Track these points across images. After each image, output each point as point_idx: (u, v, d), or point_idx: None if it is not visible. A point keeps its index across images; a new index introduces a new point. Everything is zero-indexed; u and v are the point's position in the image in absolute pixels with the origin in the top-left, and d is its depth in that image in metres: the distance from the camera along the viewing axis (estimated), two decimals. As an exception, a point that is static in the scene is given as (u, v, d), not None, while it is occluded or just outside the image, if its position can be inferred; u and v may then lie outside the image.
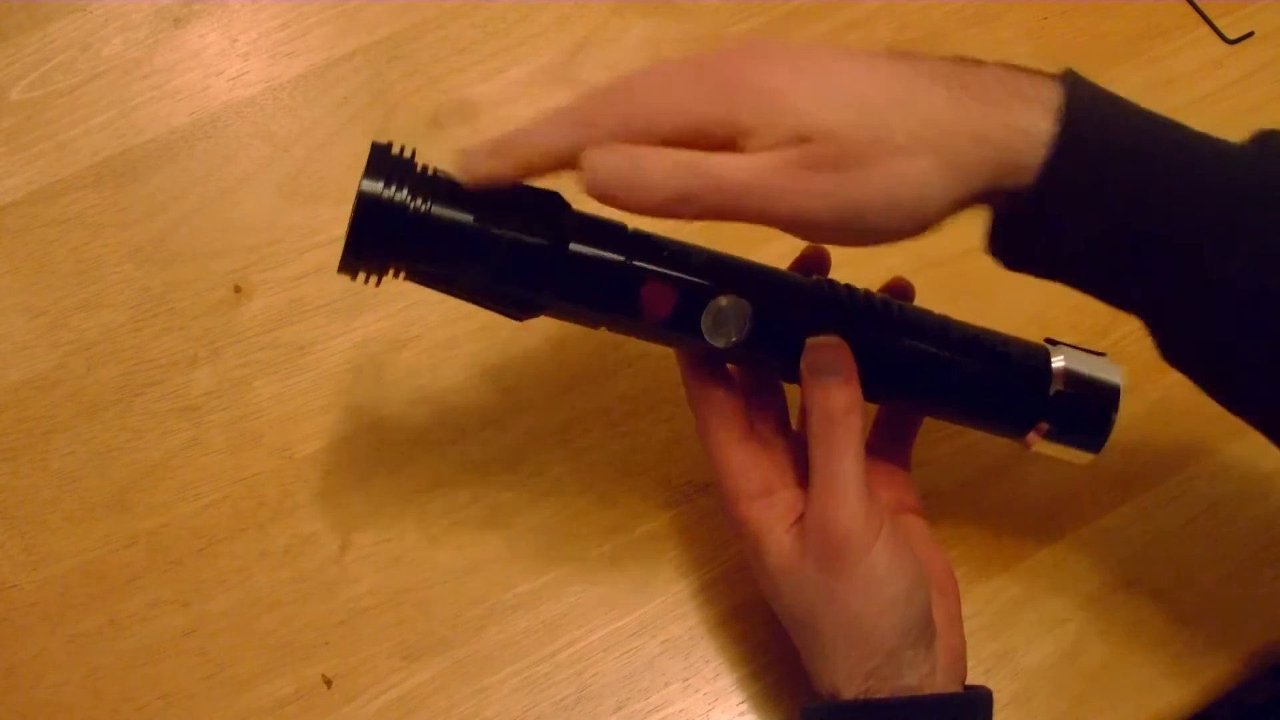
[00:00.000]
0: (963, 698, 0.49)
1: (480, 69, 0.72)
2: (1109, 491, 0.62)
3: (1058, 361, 0.52)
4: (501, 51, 0.72)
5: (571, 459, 0.62)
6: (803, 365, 0.49)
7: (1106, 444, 0.52)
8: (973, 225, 0.68)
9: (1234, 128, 0.70)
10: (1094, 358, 0.54)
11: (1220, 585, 0.59)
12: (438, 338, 0.64)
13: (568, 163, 0.46)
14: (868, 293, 0.53)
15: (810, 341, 0.49)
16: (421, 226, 0.47)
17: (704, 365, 0.51)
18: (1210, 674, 0.57)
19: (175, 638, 0.58)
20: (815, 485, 0.48)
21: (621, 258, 0.49)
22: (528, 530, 0.60)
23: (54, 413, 0.62)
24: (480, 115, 0.71)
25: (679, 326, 0.49)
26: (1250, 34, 0.73)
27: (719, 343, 0.49)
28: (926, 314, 0.53)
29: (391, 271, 0.49)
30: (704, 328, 0.49)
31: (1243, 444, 0.63)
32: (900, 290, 0.55)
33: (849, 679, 0.47)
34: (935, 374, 0.52)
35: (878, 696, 0.47)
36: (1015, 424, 0.53)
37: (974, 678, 0.57)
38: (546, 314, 0.51)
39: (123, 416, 0.62)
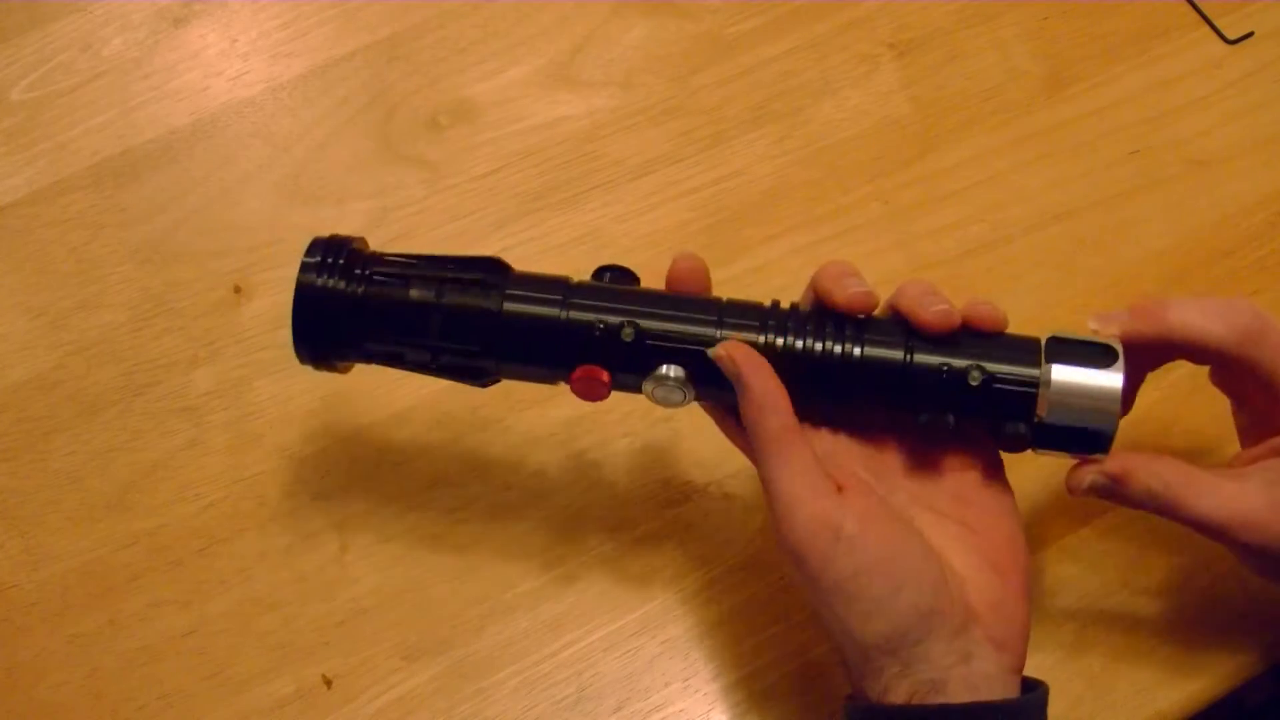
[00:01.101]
0: (1001, 708, 0.46)
1: (480, 69, 0.72)
2: (1109, 491, 0.61)
3: (1045, 390, 0.48)
4: (501, 51, 0.72)
5: (572, 459, 0.62)
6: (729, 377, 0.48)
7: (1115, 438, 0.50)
8: (973, 226, 0.69)
9: (1234, 128, 0.71)
10: (1090, 371, 0.48)
11: (1220, 585, 0.59)
12: (438, 338, 0.64)
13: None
14: (828, 311, 0.50)
15: (712, 354, 0.48)
16: (358, 308, 0.50)
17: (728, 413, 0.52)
18: (1209, 674, 0.57)
19: (175, 638, 0.58)
20: (765, 499, 0.48)
21: (554, 337, 0.49)
22: (528, 530, 0.60)
23: (54, 413, 0.62)
24: (480, 115, 0.71)
25: (627, 390, 0.50)
26: (1250, 34, 0.73)
27: (671, 407, 0.50)
28: (894, 326, 0.49)
29: (352, 359, 0.52)
30: (651, 398, 0.49)
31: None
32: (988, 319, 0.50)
33: (866, 680, 0.46)
34: (903, 391, 0.49)
35: (898, 701, 0.45)
36: (1001, 442, 0.50)
37: (974, 678, 0.57)
38: (505, 377, 0.52)
39: (123, 416, 0.62)
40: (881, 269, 0.66)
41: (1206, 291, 0.66)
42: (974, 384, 0.48)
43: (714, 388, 0.49)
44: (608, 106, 0.71)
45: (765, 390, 0.47)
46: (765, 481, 0.47)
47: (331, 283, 0.50)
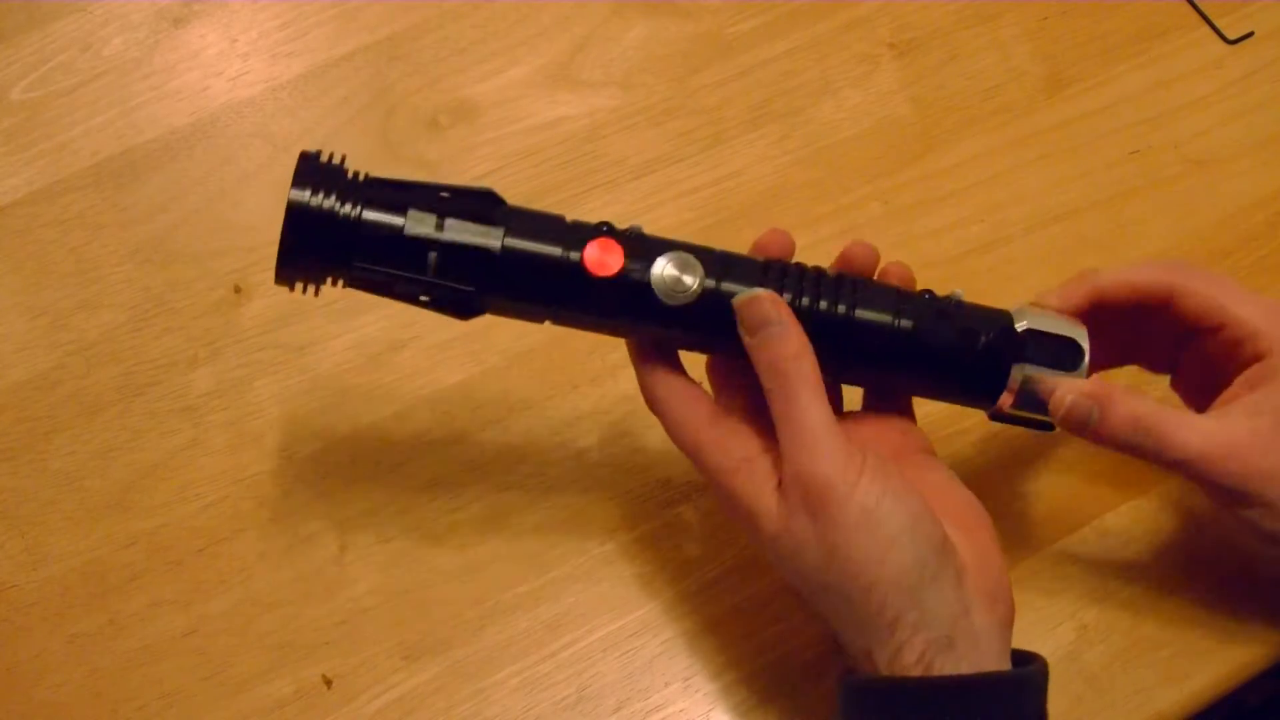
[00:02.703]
0: (1011, 678, 0.47)
1: (480, 69, 0.72)
2: (1109, 491, 0.62)
3: (1021, 324, 0.51)
4: (501, 51, 0.72)
5: (571, 459, 0.62)
6: (740, 326, 0.49)
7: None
8: (973, 226, 0.69)
9: (1234, 128, 0.71)
10: (1059, 318, 0.52)
11: (1220, 585, 0.59)
12: (437, 338, 0.64)
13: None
14: (818, 267, 0.51)
15: (737, 300, 0.49)
16: (353, 232, 0.48)
17: (658, 356, 0.51)
18: (1209, 674, 0.57)
19: (175, 638, 0.58)
20: (783, 439, 0.47)
21: (562, 236, 0.49)
22: (528, 530, 0.60)
23: (54, 413, 0.62)
24: (480, 115, 0.71)
25: (629, 289, 0.49)
26: (1250, 34, 0.73)
27: (674, 300, 0.49)
28: (884, 286, 0.52)
29: (330, 280, 0.50)
30: (655, 286, 0.49)
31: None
32: (899, 275, 0.54)
33: (878, 637, 0.46)
34: (895, 346, 0.51)
35: (911, 661, 0.45)
36: (982, 391, 0.52)
37: (974, 678, 0.57)
38: (492, 310, 0.50)
39: (123, 416, 0.62)
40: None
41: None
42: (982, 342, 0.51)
43: (718, 305, 0.49)
44: (608, 106, 0.71)
45: (802, 333, 0.48)
46: (792, 418, 0.47)
47: (326, 202, 0.48)
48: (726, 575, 0.59)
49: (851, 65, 0.72)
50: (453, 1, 0.74)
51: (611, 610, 0.59)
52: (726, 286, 0.49)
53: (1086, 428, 0.50)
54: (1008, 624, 0.48)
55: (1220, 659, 0.58)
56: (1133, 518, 0.61)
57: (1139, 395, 0.50)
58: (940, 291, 0.52)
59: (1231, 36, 0.73)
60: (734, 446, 0.49)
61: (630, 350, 0.52)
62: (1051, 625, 0.58)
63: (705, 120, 0.71)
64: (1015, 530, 0.61)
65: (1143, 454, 0.50)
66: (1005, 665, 0.47)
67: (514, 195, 0.68)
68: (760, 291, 0.49)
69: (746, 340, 0.49)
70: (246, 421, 0.62)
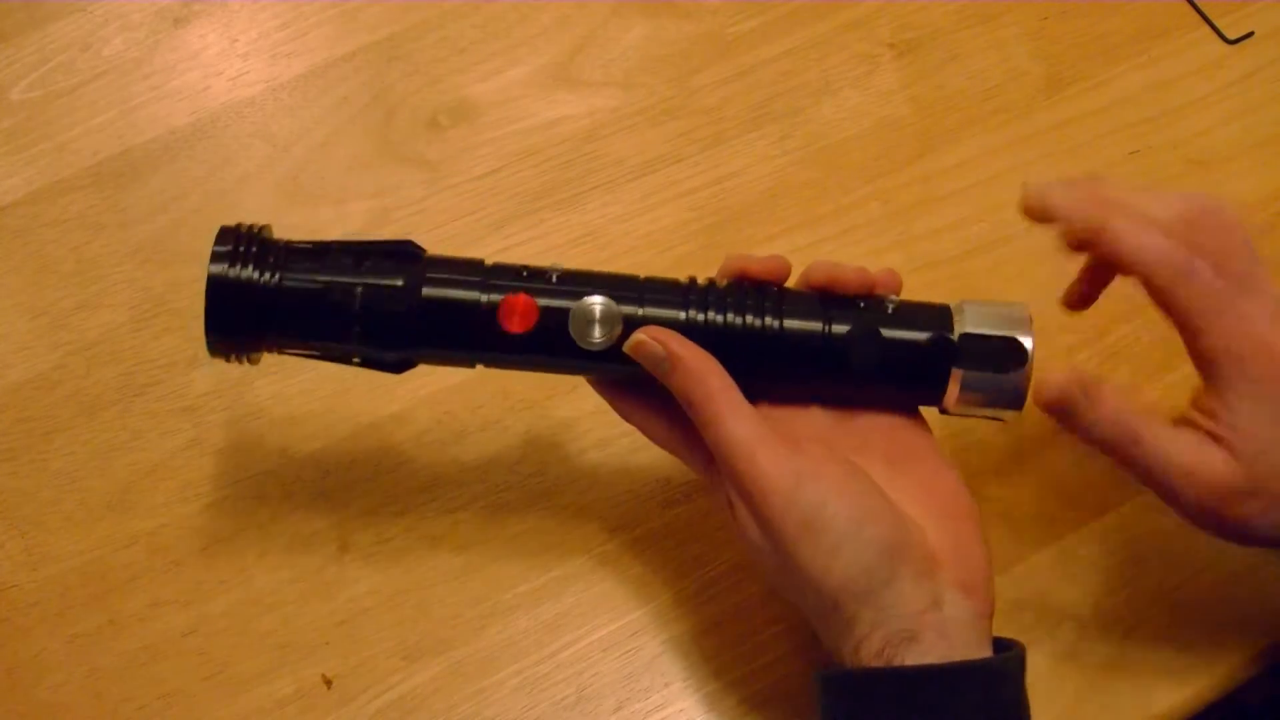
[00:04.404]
0: (980, 666, 0.46)
1: (480, 69, 0.72)
2: (1109, 491, 0.62)
3: (960, 325, 0.50)
4: (501, 51, 0.72)
5: (571, 459, 0.62)
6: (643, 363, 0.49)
7: (1028, 396, 0.50)
8: (973, 225, 0.69)
9: (1234, 128, 0.71)
10: (1001, 309, 0.51)
11: (1220, 585, 0.59)
12: (438, 338, 0.64)
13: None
14: (744, 282, 0.51)
15: (626, 347, 0.49)
16: (274, 303, 0.49)
17: (610, 382, 0.52)
18: (1210, 674, 0.57)
19: (175, 638, 0.58)
20: (717, 461, 0.48)
21: (478, 288, 0.49)
22: (528, 530, 0.60)
23: (54, 413, 0.62)
24: (480, 115, 0.71)
25: (548, 339, 0.49)
26: (1250, 34, 0.73)
27: (592, 345, 0.49)
28: (812, 295, 0.51)
29: (264, 349, 0.51)
30: (573, 332, 0.49)
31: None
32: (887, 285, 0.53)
33: (840, 634, 0.46)
34: (828, 355, 0.50)
35: (871, 656, 0.45)
36: (925, 392, 0.51)
37: (974, 678, 0.57)
38: (422, 361, 0.51)
39: (123, 416, 0.62)
40: (881, 266, 0.66)
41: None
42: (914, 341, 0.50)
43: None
44: (608, 106, 0.71)
45: (698, 356, 0.48)
46: (718, 439, 0.47)
47: (245, 273, 0.49)
48: (726, 575, 0.59)
49: (851, 65, 0.72)
50: (453, 1, 0.74)
51: (611, 610, 0.59)
52: (649, 316, 0.49)
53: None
54: (986, 614, 0.48)
55: (1220, 659, 0.58)
56: (1132, 518, 0.61)
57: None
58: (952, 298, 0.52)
59: (1231, 36, 0.73)
60: (695, 461, 0.51)
61: (592, 383, 0.53)
62: (1051, 625, 0.58)
63: (705, 120, 0.71)
64: (1015, 530, 0.61)
65: (1116, 453, 0.49)
66: (982, 654, 0.46)
67: (514, 195, 0.69)
68: (639, 335, 0.49)
69: (654, 372, 0.49)
70: (246, 421, 0.62)
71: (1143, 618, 0.59)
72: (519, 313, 0.49)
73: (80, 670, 0.57)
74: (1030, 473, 0.62)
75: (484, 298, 0.49)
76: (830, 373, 0.51)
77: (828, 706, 0.48)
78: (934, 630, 0.45)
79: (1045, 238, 0.68)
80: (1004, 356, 0.50)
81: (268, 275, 0.49)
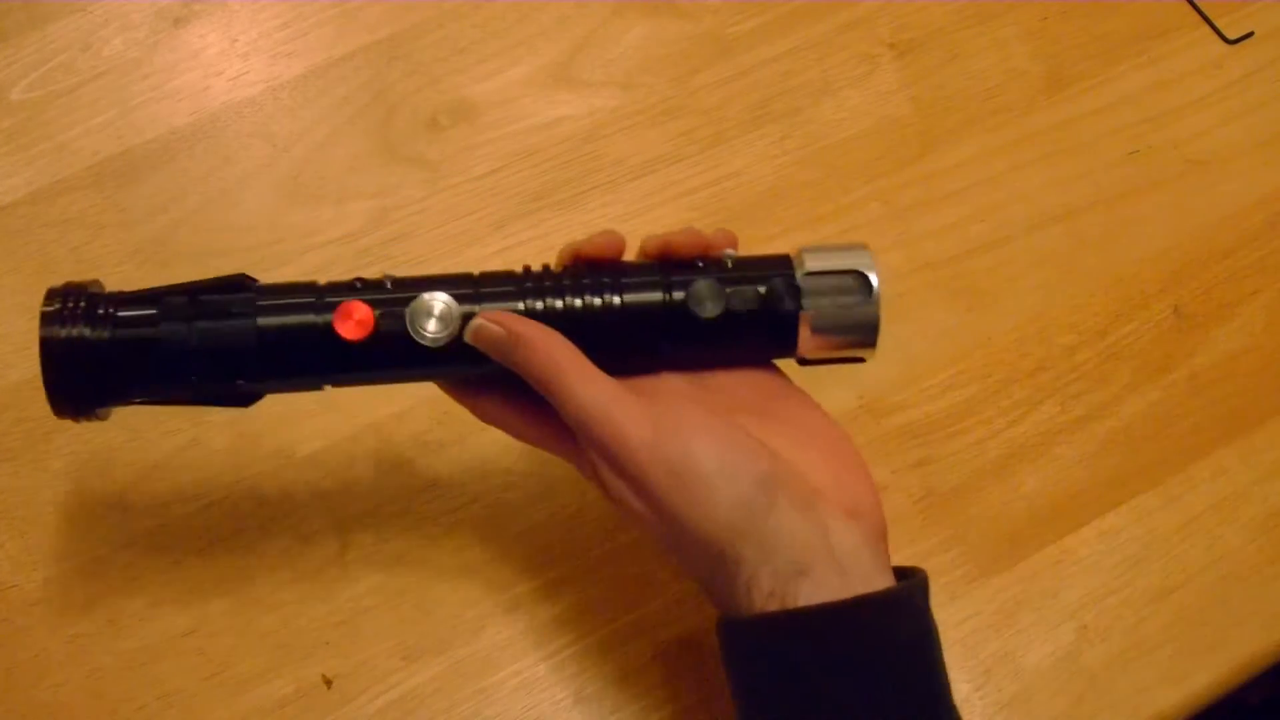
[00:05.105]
0: (879, 598, 0.44)
1: (480, 69, 0.72)
2: (1109, 491, 0.62)
3: (801, 268, 0.49)
4: (501, 51, 0.72)
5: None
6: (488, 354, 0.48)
7: (878, 335, 0.50)
8: (973, 226, 0.69)
9: (1234, 128, 0.71)
10: (841, 247, 0.50)
11: (1220, 585, 0.59)
12: (438, 338, 0.64)
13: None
14: (580, 264, 0.50)
15: (466, 335, 0.48)
16: (109, 353, 0.48)
17: (465, 385, 0.52)
18: (1210, 674, 0.57)
19: (175, 638, 0.58)
20: (578, 433, 0.47)
21: (312, 309, 0.48)
22: (528, 530, 0.60)
23: (54, 413, 0.62)
24: (480, 115, 0.71)
25: (388, 344, 0.48)
26: (1250, 34, 0.73)
27: (433, 342, 0.48)
28: (648, 265, 0.50)
29: (112, 404, 0.50)
30: (413, 333, 0.48)
31: (1242, 444, 0.63)
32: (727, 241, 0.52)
33: (729, 582, 0.45)
34: (675, 321, 0.49)
35: (762, 597, 0.44)
36: (778, 344, 0.50)
37: (974, 678, 0.57)
38: (271, 390, 0.51)
39: (123, 416, 0.62)
40: (881, 269, 0.66)
41: (1206, 290, 0.66)
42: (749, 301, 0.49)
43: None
44: (608, 106, 0.71)
45: (541, 331, 0.48)
46: (573, 409, 0.47)
47: (77, 331, 0.48)
48: (726, 575, 0.59)
49: (851, 65, 0.72)
50: (453, 1, 0.74)
51: (611, 610, 0.59)
52: (487, 309, 0.49)
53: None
54: (878, 537, 0.47)
55: (1220, 659, 0.58)
56: (1132, 518, 0.61)
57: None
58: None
59: (1231, 36, 0.73)
60: (565, 450, 0.50)
61: (441, 387, 0.53)
62: (1051, 625, 0.58)
63: (705, 120, 0.71)
64: (1016, 530, 0.61)
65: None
66: (881, 582, 0.44)
67: (515, 195, 0.69)
68: (478, 320, 0.48)
69: (501, 362, 0.48)
70: (246, 421, 0.62)
71: (1143, 618, 0.59)
72: (355, 319, 0.48)
73: (80, 670, 0.57)
74: (1030, 473, 0.62)
75: (319, 317, 0.48)
76: (679, 338, 0.50)
77: (730, 656, 0.46)
78: (825, 562, 0.44)
79: (1045, 238, 0.68)
80: (850, 291, 0.49)
81: (100, 330, 0.48)
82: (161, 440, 0.62)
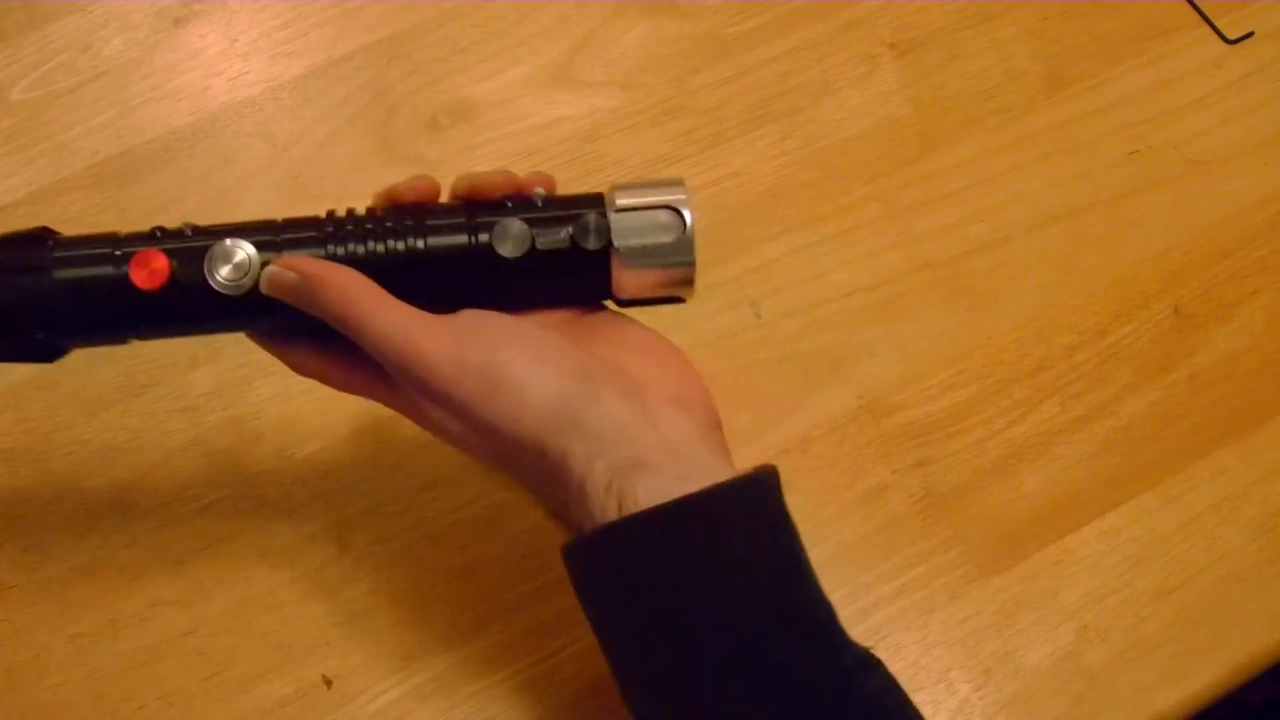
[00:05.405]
0: (722, 489, 0.41)
1: (480, 69, 0.72)
2: (1109, 491, 0.62)
3: (612, 205, 0.48)
4: (501, 51, 0.72)
5: (571, 459, 0.62)
6: (289, 302, 0.47)
7: (695, 271, 0.48)
8: (973, 226, 0.69)
9: (1234, 128, 0.71)
10: (654, 182, 0.49)
11: (1220, 585, 0.59)
12: (438, 338, 0.64)
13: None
14: (386, 208, 0.49)
15: (261, 288, 0.47)
16: None
17: (272, 334, 0.50)
18: (1210, 674, 0.57)
19: (175, 638, 0.58)
20: (385, 364, 0.45)
21: (108, 260, 0.47)
22: (528, 530, 0.60)
23: (54, 413, 0.62)
24: (480, 115, 0.71)
25: (186, 293, 0.47)
26: (1250, 34, 0.73)
27: (234, 290, 0.47)
28: (454, 207, 0.49)
29: None
30: (211, 280, 0.47)
31: (1242, 444, 0.63)
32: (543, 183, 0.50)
33: (561, 485, 0.43)
34: (483, 263, 0.48)
35: (599, 494, 0.42)
36: (595, 286, 0.49)
37: (974, 678, 0.57)
38: (76, 345, 0.49)
39: (123, 416, 0.62)
40: (881, 269, 0.67)
41: (1206, 290, 0.66)
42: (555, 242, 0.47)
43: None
44: (608, 106, 0.71)
45: (334, 270, 0.46)
46: (371, 337, 0.45)
47: None
48: (726, 575, 0.59)
49: (851, 65, 0.72)
50: (453, 1, 0.74)
51: (611, 610, 0.59)
52: (287, 255, 0.47)
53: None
54: (711, 426, 0.46)
55: (1220, 659, 0.58)
56: (1133, 518, 0.61)
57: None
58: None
59: (1231, 36, 0.73)
60: (384, 393, 0.48)
61: (254, 339, 0.51)
62: (1051, 625, 0.58)
63: (705, 120, 0.71)
64: (1016, 530, 0.61)
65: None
66: (719, 470, 0.42)
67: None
68: (271, 268, 0.46)
69: (301, 308, 0.47)
70: (246, 421, 0.62)
71: (1143, 618, 0.59)
72: (150, 268, 0.47)
73: (80, 670, 0.57)
74: (1030, 472, 0.62)
75: (115, 268, 0.47)
76: (485, 280, 0.48)
77: (583, 578, 0.44)
78: (661, 453, 0.42)
79: (1045, 238, 0.68)
80: (662, 228, 0.48)
81: None
82: (161, 440, 0.62)
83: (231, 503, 0.61)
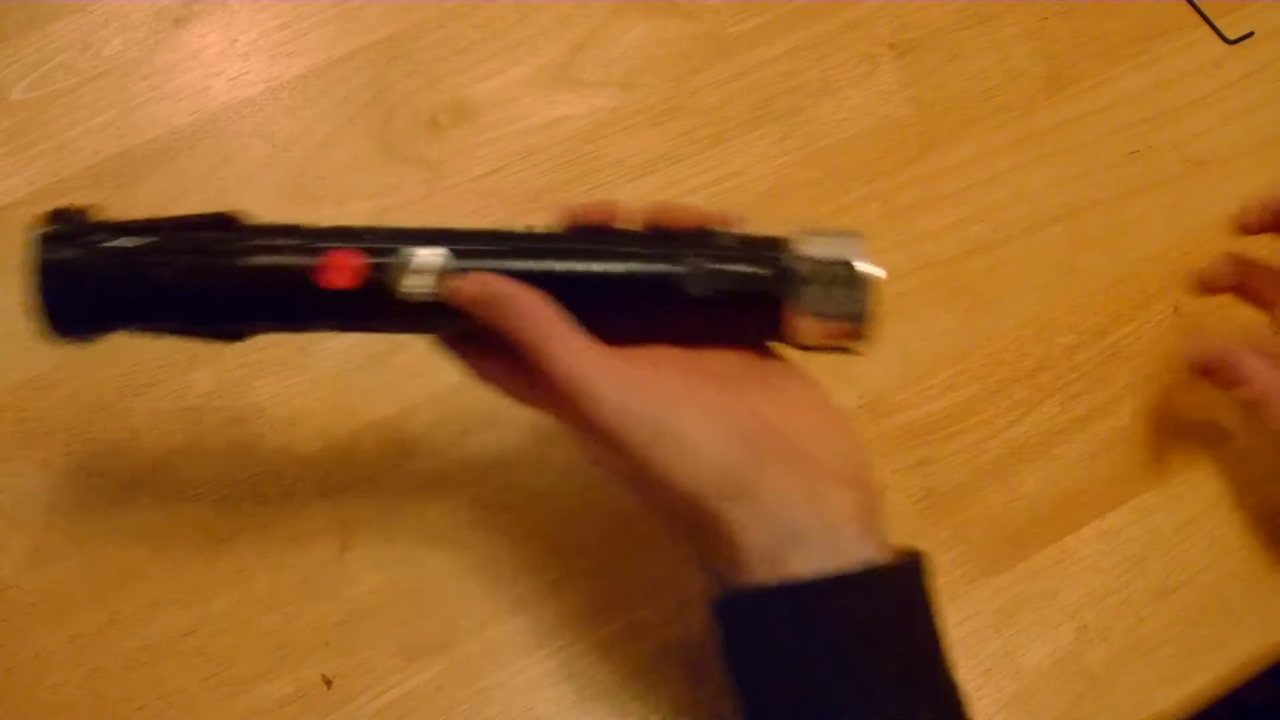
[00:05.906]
0: (881, 570, 0.43)
1: (480, 69, 0.72)
2: (1109, 491, 0.62)
3: (792, 253, 0.48)
4: (501, 51, 0.72)
5: (572, 459, 0.62)
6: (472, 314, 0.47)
7: (867, 324, 0.49)
8: (973, 226, 0.69)
9: (1234, 128, 0.71)
10: (836, 235, 0.49)
11: (1220, 585, 0.59)
12: (438, 338, 0.64)
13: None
14: (577, 228, 0.50)
15: (450, 291, 0.47)
16: (99, 280, 0.48)
17: (461, 340, 0.50)
18: (1210, 674, 0.57)
19: (175, 638, 0.58)
20: (562, 394, 0.46)
21: (297, 251, 0.48)
22: (528, 530, 0.60)
23: (54, 413, 0.62)
24: (480, 115, 0.71)
25: (374, 296, 0.47)
26: (1250, 34, 0.73)
27: (420, 298, 0.47)
28: (647, 235, 0.49)
29: (101, 330, 0.50)
30: (399, 287, 0.47)
31: (1242, 444, 0.63)
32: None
33: (723, 548, 0.44)
34: (665, 294, 0.48)
35: (756, 562, 0.43)
36: (766, 326, 0.49)
37: (974, 678, 0.57)
38: (256, 331, 0.50)
39: (123, 416, 0.62)
40: (881, 265, 0.66)
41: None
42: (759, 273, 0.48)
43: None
44: (608, 106, 0.71)
45: (524, 293, 0.46)
46: (553, 370, 0.45)
47: (71, 254, 0.48)
48: (726, 575, 0.59)
49: (851, 65, 0.72)
50: (453, 1, 0.74)
51: (612, 610, 0.59)
52: (478, 267, 0.48)
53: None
54: (871, 510, 0.46)
55: (1220, 659, 0.58)
56: (1132, 518, 0.61)
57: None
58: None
59: (1231, 36, 0.73)
60: (555, 412, 0.49)
61: (439, 342, 0.51)
62: (1051, 625, 0.58)
63: (705, 120, 0.71)
64: (1016, 530, 0.61)
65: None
66: (874, 554, 0.44)
67: (515, 195, 0.68)
68: (460, 281, 0.47)
69: (484, 323, 0.47)
70: (246, 421, 0.62)
71: (1143, 617, 0.59)
72: (341, 269, 0.47)
73: (80, 670, 0.57)
74: (1030, 472, 0.62)
75: (304, 260, 0.48)
76: (667, 313, 0.49)
77: (727, 634, 0.45)
78: (821, 530, 0.43)
79: (1045, 238, 0.68)
80: (838, 280, 0.48)
81: (93, 256, 0.48)
82: (161, 440, 0.62)
83: (231, 503, 0.61)
